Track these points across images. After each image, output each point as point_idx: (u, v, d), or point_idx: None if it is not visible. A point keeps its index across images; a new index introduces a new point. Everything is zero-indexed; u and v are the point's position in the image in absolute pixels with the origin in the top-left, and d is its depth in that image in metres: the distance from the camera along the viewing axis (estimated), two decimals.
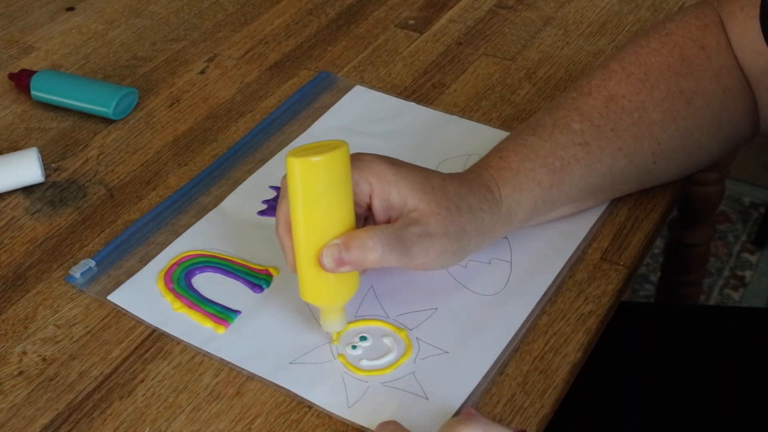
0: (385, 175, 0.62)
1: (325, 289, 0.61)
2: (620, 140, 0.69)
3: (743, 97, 0.72)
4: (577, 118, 0.69)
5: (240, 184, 0.78)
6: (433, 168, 0.77)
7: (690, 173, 0.76)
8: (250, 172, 0.79)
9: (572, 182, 0.69)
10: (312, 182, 0.58)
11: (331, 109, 0.86)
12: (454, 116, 0.84)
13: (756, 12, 0.70)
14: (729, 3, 0.73)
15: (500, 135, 0.81)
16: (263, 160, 0.80)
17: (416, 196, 0.62)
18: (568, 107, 0.70)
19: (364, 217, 0.65)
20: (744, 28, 0.71)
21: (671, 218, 1.35)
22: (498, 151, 0.69)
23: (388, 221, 0.63)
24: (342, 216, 0.60)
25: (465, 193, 0.64)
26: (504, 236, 0.69)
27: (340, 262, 0.59)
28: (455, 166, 0.77)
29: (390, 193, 0.62)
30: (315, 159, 0.58)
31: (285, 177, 0.61)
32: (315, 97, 0.88)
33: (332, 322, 0.63)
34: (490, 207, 0.65)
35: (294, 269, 0.62)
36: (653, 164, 0.71)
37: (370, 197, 0.63)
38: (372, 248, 0.59)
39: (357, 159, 0.63)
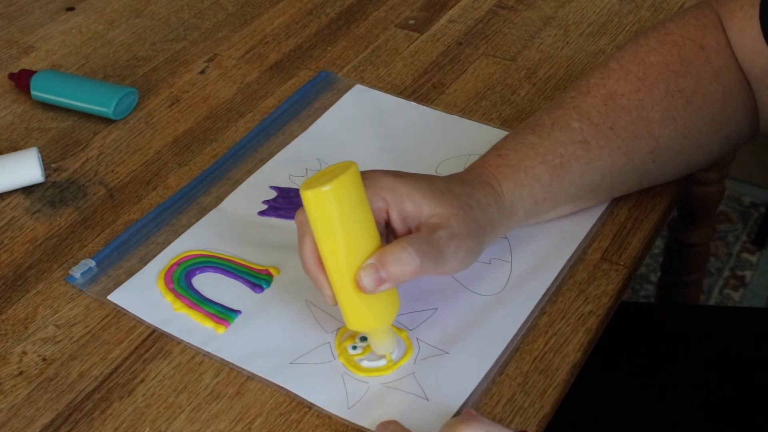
0: (396, 187, 0.62)
1: (369, 314, 0.60)
2: (619, 139, 0.69)
3: (743, 97, 0.72)
4: (576, 116, 0.69)
5: (240, 184, 0.78)
6: (433, 168, 0.78)
7: (689, 173, 0.76)
8: (250, 172, 0.79)
9: (572, 180, 0.69)
10: (331, 211, 0.57)
11: (331, 109, 0.86)
12: (455, 116, 0.84)
13: (755, 11, 0.70)
14: (728, 2, 0.73)
15: (500, 135, 0.80)
16: (263, 160, 0.80)
17: (430, 202, 0.62)
18: (567, 106, 0.70)
19: (384, 236, 0.64)
20: (743, 27, 0.71)
21: (671, 218, 1.35)
22: (496, 149, 0.69)
23: (409, 233, 0.62)
24: (368, 236, 0.59)
25: (470, 192, 0.64)
26: (506, 233, 0.69)
27: (380, 281, 0.58)
28: (455, 166, 0.77)
29: (404, 204, 0.62)
30: (325, 188, 0.56)
31: (300, 212, 0.60)
32: (315, 96, 0.88)
33: (383, 343, 0.62)
34: (495, 201, 0.65)
35: (333, 302, 0.61)
36: (652, 163, 0.71)
37: (387, 212, 0.62)
38: (408, 260, 0.58)
39: (364, 178, 0.61)
